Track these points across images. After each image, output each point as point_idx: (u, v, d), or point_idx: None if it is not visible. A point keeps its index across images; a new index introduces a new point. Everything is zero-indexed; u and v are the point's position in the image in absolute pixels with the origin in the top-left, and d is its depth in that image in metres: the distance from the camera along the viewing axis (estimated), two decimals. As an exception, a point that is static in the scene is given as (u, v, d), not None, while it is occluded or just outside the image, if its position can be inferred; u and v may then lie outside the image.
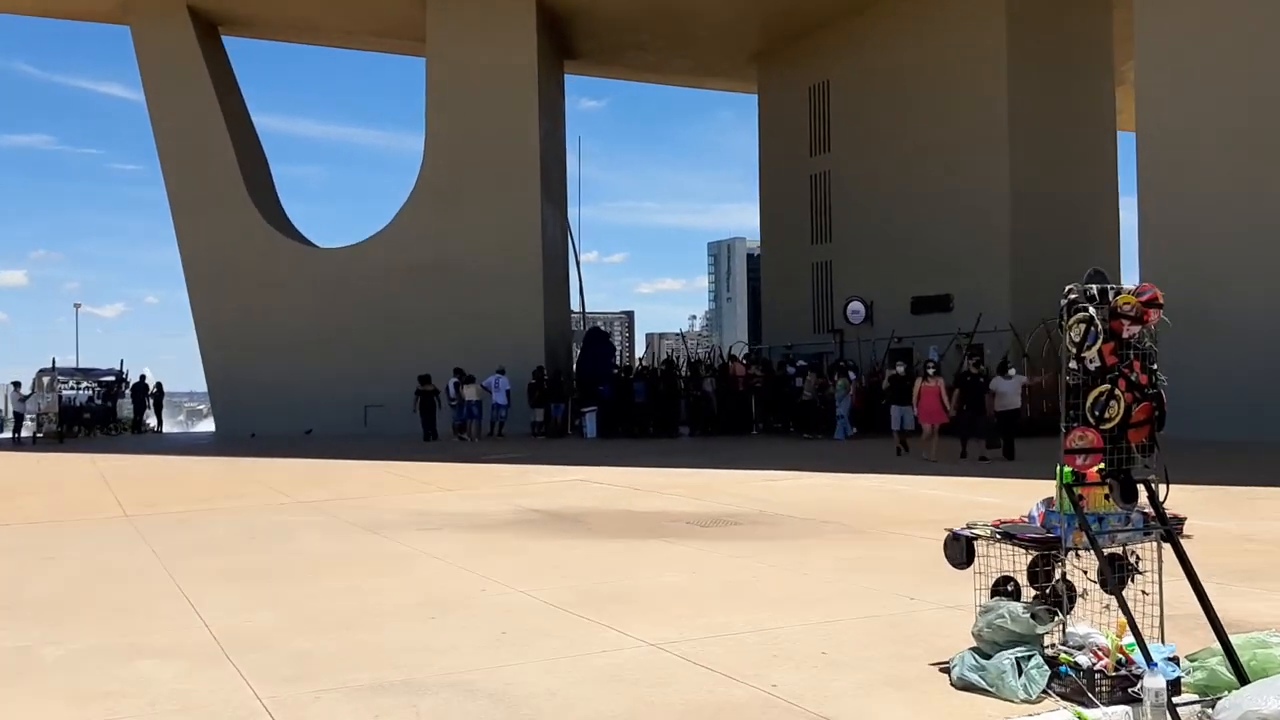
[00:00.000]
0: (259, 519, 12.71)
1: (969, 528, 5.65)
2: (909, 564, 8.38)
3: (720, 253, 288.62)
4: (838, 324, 31.12)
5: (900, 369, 21.49)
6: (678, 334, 60.68)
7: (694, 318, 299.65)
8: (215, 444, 28.85)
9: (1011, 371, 18.93)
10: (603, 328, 33.24)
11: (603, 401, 27.06)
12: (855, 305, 30.12)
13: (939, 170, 28.28)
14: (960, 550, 5.60)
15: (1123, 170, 29.70)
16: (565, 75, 34.92)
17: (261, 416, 30.43)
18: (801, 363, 26.45)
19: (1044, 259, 25.24)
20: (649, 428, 26.34)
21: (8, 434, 30.27)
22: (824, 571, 8.38)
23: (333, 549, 10.26)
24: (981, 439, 18.13)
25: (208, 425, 44.14)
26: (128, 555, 10.16)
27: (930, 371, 19.07)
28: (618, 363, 35.44)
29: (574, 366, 32.03)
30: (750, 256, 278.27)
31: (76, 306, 49.79)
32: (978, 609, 5.33)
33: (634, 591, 7.76)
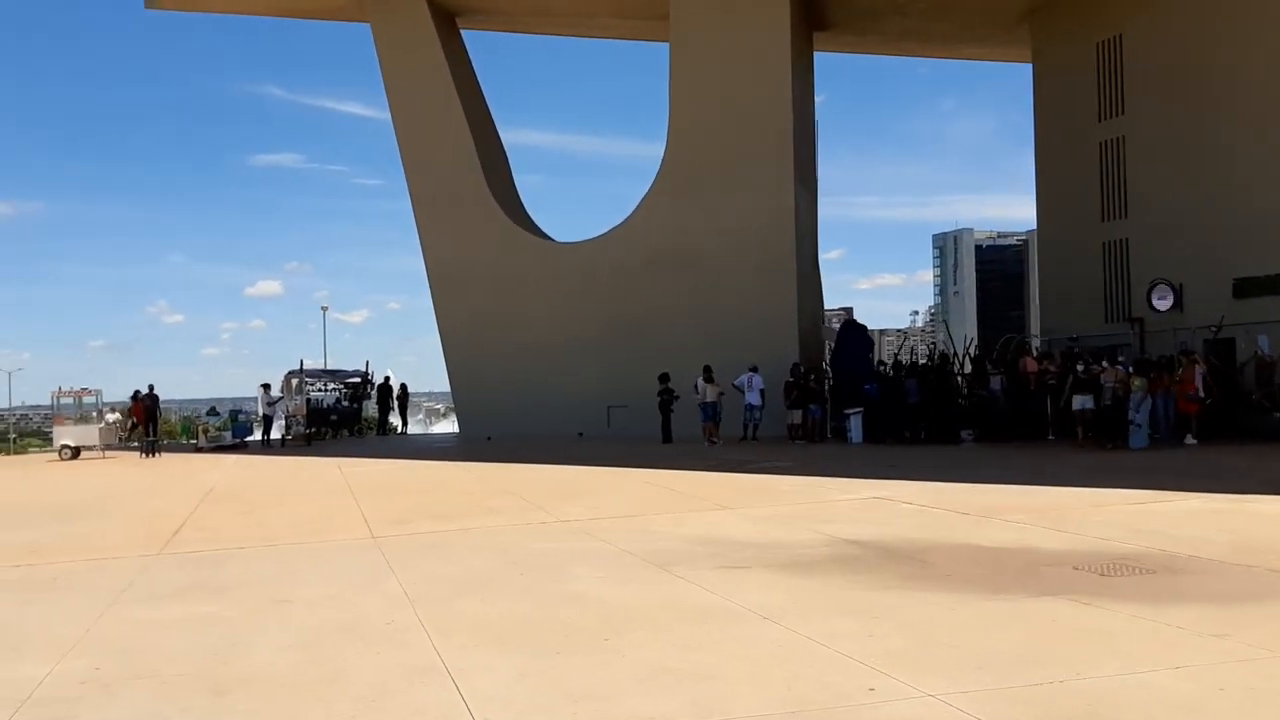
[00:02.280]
0: (520, 544, 10.74)
1: None
2: None
3: (946, 245, 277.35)
4: (1137, 311, 27.05)
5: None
6: (899, 331, 56.45)
7: (916, 313, 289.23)
8: (459, 447, 27.77)
9: None
10: (857, 320, 30.19)
11: (869, 402, 24.22)
12: (1161, 289, 25.99)
13: (1263, 125, 23.92)
14: None
15: None
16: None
17: (504, 417, 29.27)
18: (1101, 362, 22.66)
19: None
20: (922, 432, 23.30)
21: (258, 436, 30.27)
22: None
23: (622, 596, 8.06)
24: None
25: (446, 425, 43.96)
26: (374, 597, 8.29)
27: None
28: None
29: (827, 363, 29.27)
30: (979, 248, 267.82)
31: (324, 309, 51.51)
32: None
33: (1114, 703, 5.09)
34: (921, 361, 28.20)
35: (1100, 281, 29.24)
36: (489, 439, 27.65)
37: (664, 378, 25.30)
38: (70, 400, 28.28)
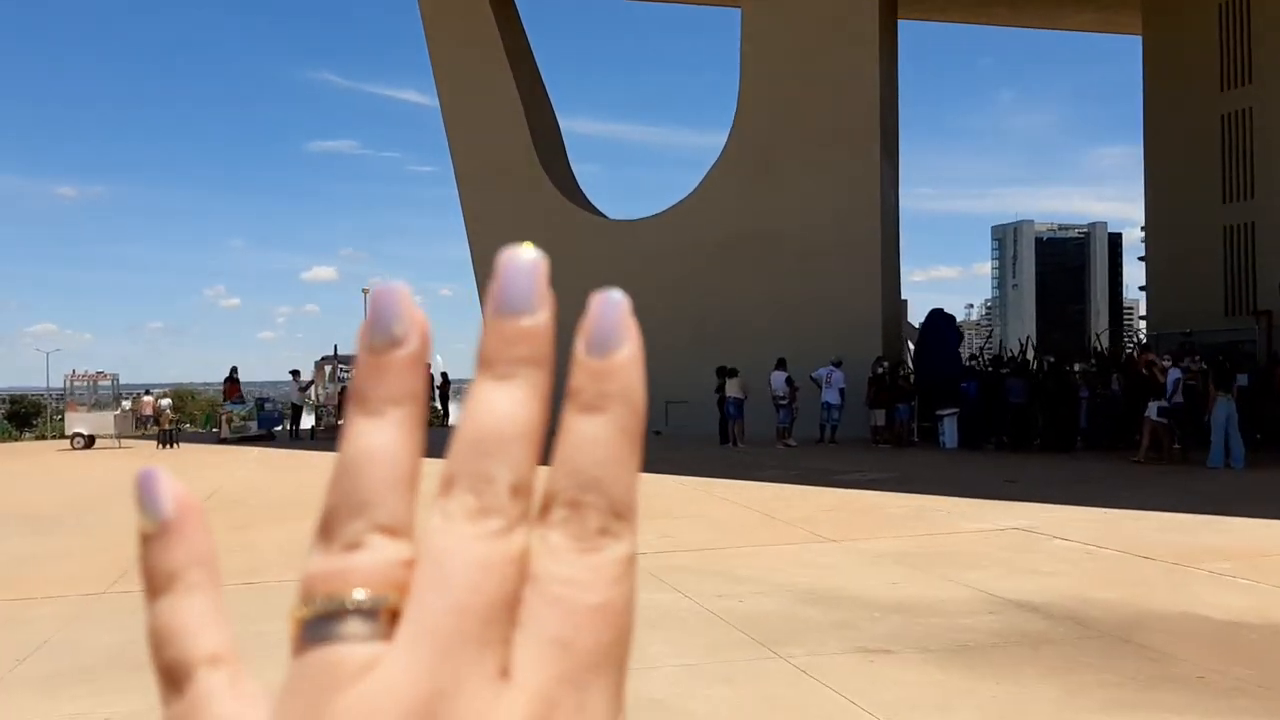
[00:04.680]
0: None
1: None
2: None
3: (1005, 237, 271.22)
4: (1264, 303, 23.92)
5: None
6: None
7: (971, 306, 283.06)
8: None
9: None
10: (946, 310, 27.17)
11: (966, 402, 21.34)
12: (1299, 279, 22.87)
13: None
14: None
15: None
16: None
17: (553, 409, 26.70)
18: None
19: None
20: (1035, 438, 20.39)
21: (288, 426, 28.02)
22: None
23: (721, 711, 5.41)
24: None
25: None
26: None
27: None
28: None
29: (909, 357, 26.36)
30: (1039, 240, 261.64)
31: (365, 291, 49.31)
32: None
33: None
34: (1025, 357, 25.11)
35: (1220, 270, 26.08)
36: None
37: (721, 371, 22.62)
38: (84, 384, 26.15)
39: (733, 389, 22.00)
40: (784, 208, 24.99)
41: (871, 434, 22.18)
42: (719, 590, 8.10)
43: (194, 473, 18.49)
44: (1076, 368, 21.28)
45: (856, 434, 22.36)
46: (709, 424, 23.23)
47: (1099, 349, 25.48)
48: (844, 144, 24.59)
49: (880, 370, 22.16)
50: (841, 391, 22.05)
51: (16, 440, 50.16)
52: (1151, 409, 17.60)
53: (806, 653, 6.34)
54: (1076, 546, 9.88)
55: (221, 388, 28.64)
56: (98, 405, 25.77)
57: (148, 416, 27.82)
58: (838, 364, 22.06)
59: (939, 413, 21.66)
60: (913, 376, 23.54)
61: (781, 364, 22.27)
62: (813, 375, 22.15)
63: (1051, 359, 21.32)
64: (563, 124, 31.14)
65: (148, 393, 27.82)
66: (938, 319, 25.50)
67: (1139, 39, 29.64)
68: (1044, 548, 9.89)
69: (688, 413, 25.65)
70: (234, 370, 28.02)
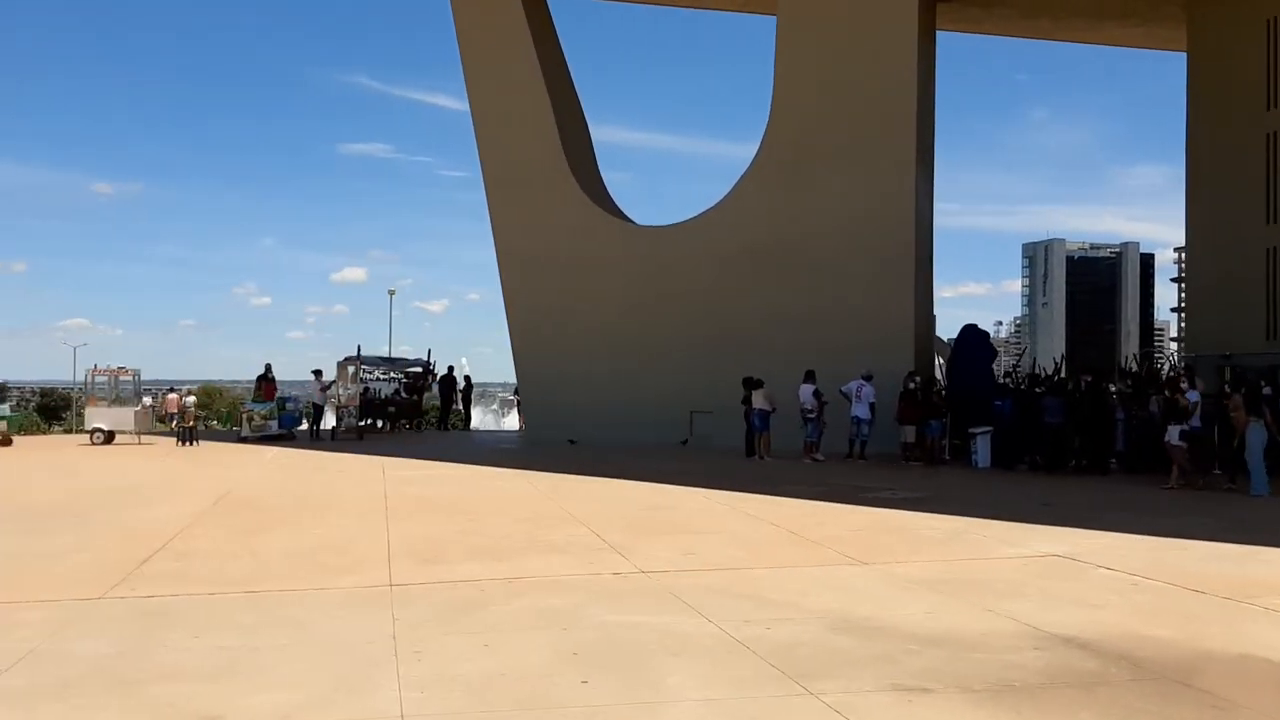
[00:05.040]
0: (587, 614, 7.69)
1: None
2: None
3: (1036, 255, 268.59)
4: (1309, 328, 23.20)
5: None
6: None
7: (1000, 323, 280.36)
8: (524, 449, 24.88)
9: None
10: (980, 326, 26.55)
11: (1000, 420, 20.75)
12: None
13: None
14: None
15: None
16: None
17: (574, 417, 26.29)
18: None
19: None
20: (1070, 459, 19.78)
21: (308, 425, 27.72)
22: None
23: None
24: None
25: (517, 418, 41.05)
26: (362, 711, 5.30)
27: None
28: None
29: (941, 373, 25.76)
30: (1071, 259, 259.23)
31: (390, 292, 48.85)
32: None
33: None
34: (1060, 376, 24.43)
35: (1262, 293, 25.34)
36: (572, 442, 24.67)
37: (748, 382, 22.08)
38: (106, 380, 25.94)
39: (759, 400, 21.49)
40: (816, 217, 24.47)
41: (901, 450, 21.62)
42: (745, 615, 7.63)
43: (208, 472, 18.19)
44: (1113, 388, 20.66)
45: (885, 450, 21.82)
46: (734, 435, 22.72)
47: (1135, 369, 24.73)
48: (879, 154, 24.06)
49: (912, 385, 21.59)
50: (872, 406, 21.48)
51: (45, 433, 50.25)
52: (1172, 433, 17.06)
53: (839, 689, 5.86)
54: (1121, 576, 9.34)
55: (253, 385, 28.33)
56: (119, 401, 25.54)
57: (173, 414, 27.74)
58: (868, 378, 21.51)
59: (972, 431, 21.06)
60: (944, 392, 22.95)
61: (810, 376, 21.74)
62: (842, 389, 21.61)
63: (1089, 378, 20.63)
64: (593, 132, 30.75)
65: (173, 389, 27.57)
66: (971, 334, 24.89)
67: (1181, 55, 28.98)
68: (1087, 577, 9.36)
69: (712, 423, 25.17)
70: (268, 368, 27.75)
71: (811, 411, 21.44)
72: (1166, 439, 17.16)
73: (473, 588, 8.55)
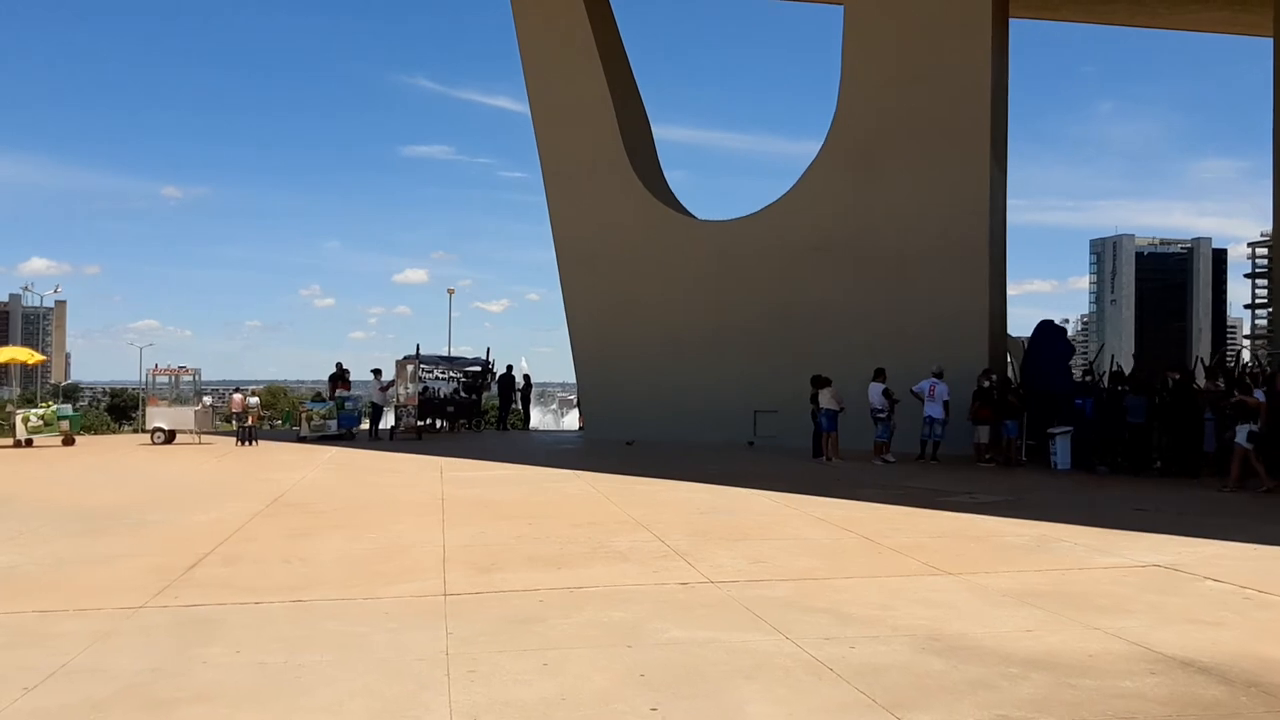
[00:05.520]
0: (653, 629, 7.12)
1: None
2: None
3: (1104, 251, 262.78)
4: None
5: None
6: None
7: (1067, 321, 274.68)
8: (584, 450, 24.41)
9: None
10: (1057, 322, 25.55)
11: (1082, 419, 19.84)
12: None
13: None
14: None
15: None
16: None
17: (635, 416, 25.78)
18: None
19: None
20: (1155, 460, 18.83)
21: (368, 425, 27.50)
22: None
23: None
24: None
25: (576, 417, 40.68)
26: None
27: None
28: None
29: (1014, 371, 24.80)
30: (1140, 255, 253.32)
31: (450, 291, 48.71)
32: None
33: None
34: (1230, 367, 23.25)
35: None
36: (629, 444, 24.14)
37: (815, 381, 21.33)
38: (166, 379, 25.94)
39: (826, 400, 20.77)
40: (885, 210, 23.70)
41: (976, 452, 20.80)
42: (826, 632, 7.02)
43: (265, 474, 17.94)
44: (1202, 385, 19.63)
45: (957, 451, 21.01)
46: (800, 436, 22.03)
47: (1231, 366, 23.57)
48: (952, 145, 23.21)
49: (987, 384, 20.75)
50: (946, 405, 20.69)
51: (114, 432, 50.86)
52: (1240, 433, 16.12)
53: (938, 715, 5.24)
54: (1233, 590, 8.57)
55: (326, 384, 28.17)
56: (179, 400, 25.52)
57: (236, 413, 27.86)
58: (939, 375, 20.71)
59: (1051, 431, 20.16)
60: (1020, 391, 22.04)
61: (879, 374, 20.98)
62: (914, 389, 20.83)
63: (1177, 375, 19.60)
64: (654, 130, 30.15)
65: (238, 390, 27.52)
66: (1048, 330, 23.92)
67: (1263, 41, 27.75)
68: (1194, 590, 8.60)
69: (777, 423, 24.52)
70: (340, 367, 27.75)
71: (881, 411, 20.69)
72: (1235, 439, 16.26)
73: (531, 598, 8.04)
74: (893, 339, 22.67)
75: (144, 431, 27.22)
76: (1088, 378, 22.91)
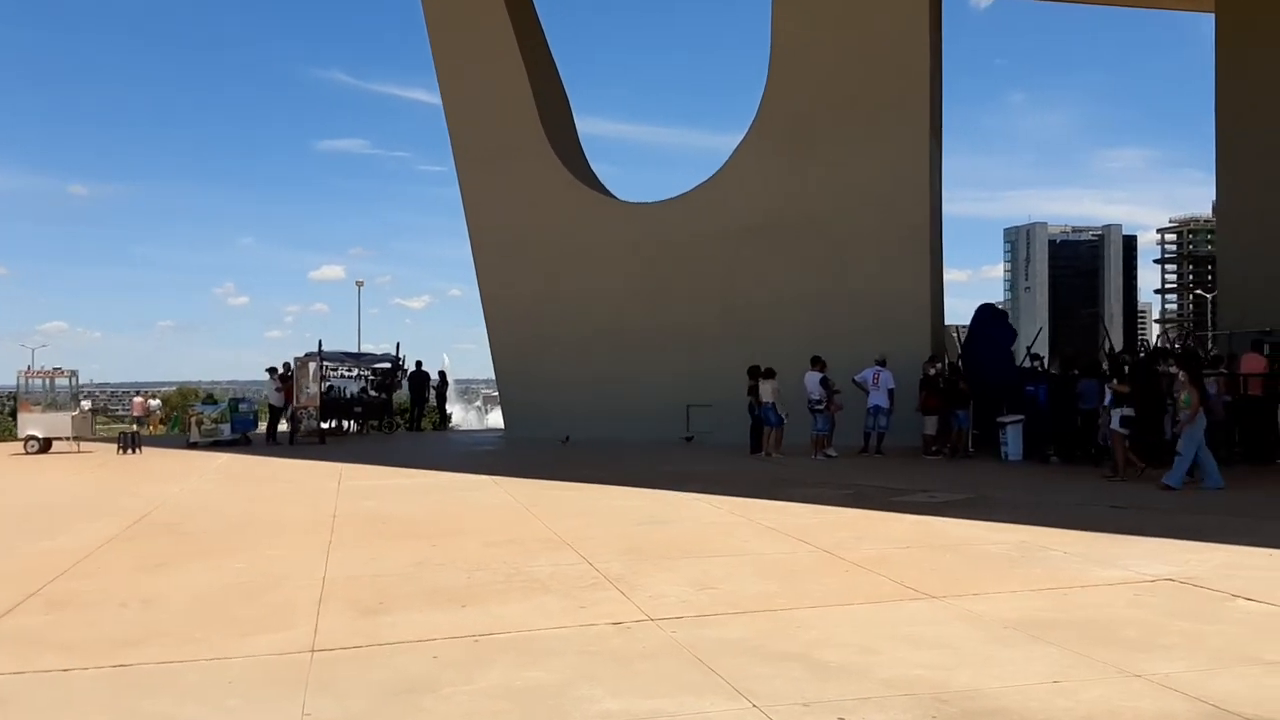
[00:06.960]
0: (581, 701, 5.46)
1: None
2: None
3: (1018, 239, 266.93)
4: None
5: None
6: (964, 326, 48.68)
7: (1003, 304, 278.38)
8: (504, 451, 22.64)
9: None
10: (998, 305, 24.41)
11: (1034, 408, 18.63)
12: None
13: None
14: None
15: None
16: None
17: (558, 413, 24.12)
18: None
19: None
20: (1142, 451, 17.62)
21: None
22: None
23: None
24: None
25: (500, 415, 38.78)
26: None
27: None
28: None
29: (956, 359, 23.59)
30: (1053, 243, 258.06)
31: (359, 284, 46.09)
32: None
33: None
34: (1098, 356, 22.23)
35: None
36: (566, 440, 22.42)
37: (754, 372, 19.88)
38: (40, 382, 23.54)
39: (767, 392, 19.32)
40: (821, 189, 22.35)
41: (924, 444, 19.50)
42: (801, 691, 5.43)
43: (139, 486, 15.91)
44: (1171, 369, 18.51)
45: (900, 443, 19.72)
46: (736, 431, 20.56)
47: (1161, 348, 22.59)
48: (887, 120, 21.93)
49: (933, 372, 19.48)
50: (891, 393, 19.38)
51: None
52: (1114, 418, 15.44)
53: None
54: (1275, 612, 7.19)
55: (274, 385, 25.29)
56: (54, 405, 23.16)
57: (139, 416, 26.00)
58: (882, 363, 19.38)
59: (1001, 420, 18.93)
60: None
61: (817, 363, 19.57)
62: (856, 378, 19.49)
63: (1141, 354, 18.41)
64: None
65: (139, 392, 25.27)
66: (987, 315, 22.73)
67: (1175, 28, 26.94)
68: (1230, 615, 7.19)
69: (711, 417, 23.05)
70: (287, 367, 25.19)
71: (820, 402, 19.31)
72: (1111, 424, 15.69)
73: (424, 654, 6.32)
74: (828, 325, 21.37)
75: (12, 440, 24.84)
76: (1035, 364, 21.69)
